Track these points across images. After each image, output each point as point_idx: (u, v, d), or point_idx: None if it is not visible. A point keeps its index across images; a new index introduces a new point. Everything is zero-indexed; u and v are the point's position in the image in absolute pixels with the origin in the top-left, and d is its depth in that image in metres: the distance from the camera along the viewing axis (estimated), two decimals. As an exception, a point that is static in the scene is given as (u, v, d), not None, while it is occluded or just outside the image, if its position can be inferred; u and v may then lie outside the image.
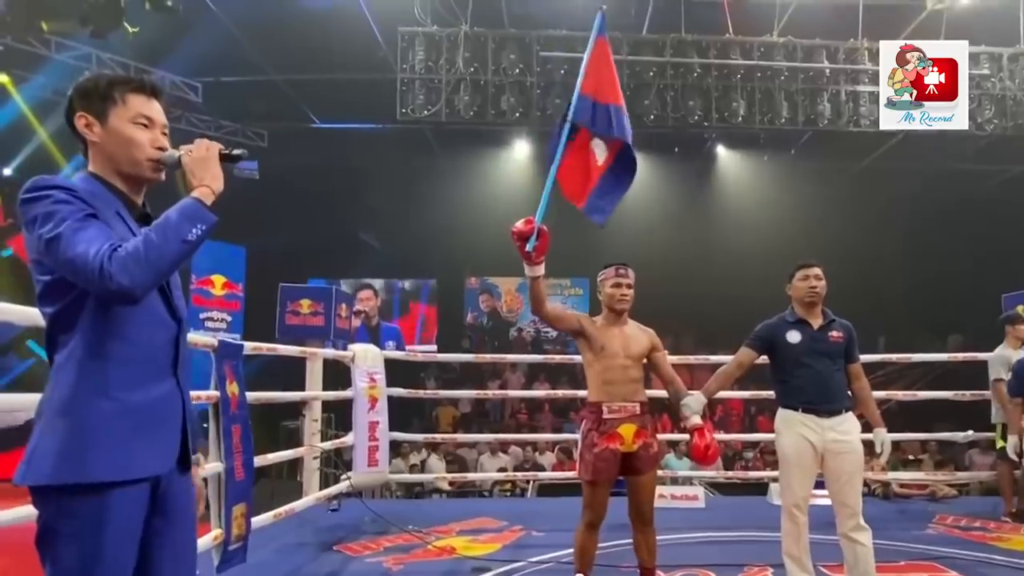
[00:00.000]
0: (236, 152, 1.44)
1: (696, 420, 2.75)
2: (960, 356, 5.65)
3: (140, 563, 1.36)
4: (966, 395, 5.09)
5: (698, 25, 8.39)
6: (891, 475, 5.43)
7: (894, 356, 5.90)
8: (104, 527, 1.27)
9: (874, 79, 8.36)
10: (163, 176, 1.45)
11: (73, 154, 9.40)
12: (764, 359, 3.03)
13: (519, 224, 2.59)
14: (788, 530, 2.80)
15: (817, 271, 2.96)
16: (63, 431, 1.28)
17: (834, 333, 2.91)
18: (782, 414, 2.91)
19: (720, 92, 8.31)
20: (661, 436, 7.10)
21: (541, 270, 2.64)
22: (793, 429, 2.82)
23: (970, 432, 5.26)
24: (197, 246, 1.34)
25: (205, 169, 1.39)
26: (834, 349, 2.89)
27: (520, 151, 11.96)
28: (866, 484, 5.26)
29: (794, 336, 2.89)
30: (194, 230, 1.31)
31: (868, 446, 2.97)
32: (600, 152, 2.89)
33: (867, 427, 3.03)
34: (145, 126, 1.44)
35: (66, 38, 8.00)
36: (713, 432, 2.81)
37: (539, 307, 2.73)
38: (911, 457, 6.49)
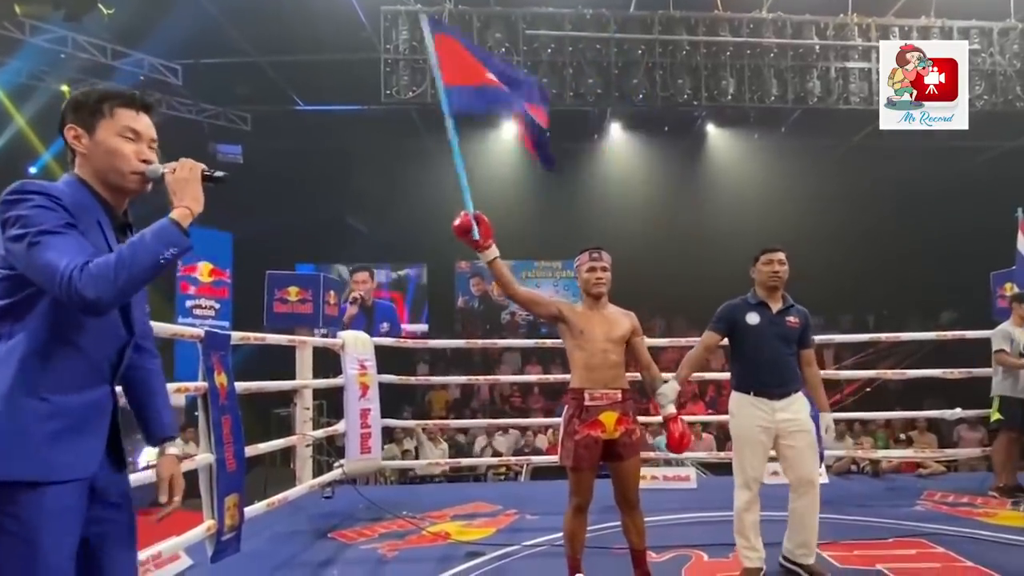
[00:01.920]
0: (218, 175, 1.47)
1: (671, 409, 2.80)
2: (949, 334, 5.69)
3: (85, 552, 1.40)
4: (955, 373, 5.13)
5: (686, 2, 8.29)
6: (881, 453, 5.50)
7: (883, 336, 5.93)
8: (40, 521, 1.30)
9: (864, 55, 8.32)
10: (148, 188, 1.47)
11: (52, 140, 9.20)
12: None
13: (456, 221, 2.66)
14: (740, 508, 2.92)
15: (781, 256, 3.03)
16: None
17: (791, 319, 3.02)
18: (735, 397, 3.03)
19: (709, 70, 8.24)
20: (652, 418, 7.12)
21: (493, 252, 2.69)
22: (745, 412, 2.95)
23: (958, 409, 5.31)
24: (167, 267, 1.36)
25: (186, 190, 1.41)
26: (790, 333, 3.00)
27: (508, 131, 11.83)
28: (855, 462, 5.34)
29: (753, 318, 2.99)
30: (167, 252, 1.33)
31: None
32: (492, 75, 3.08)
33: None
34: (131, 139, 1.47)
35: (41, 22, 7.77)
36: (686, 424, 2.87)
37: (508, 289, 2.75)
38: (902, 436, 6.57)
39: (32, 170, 9.41)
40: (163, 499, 1.64)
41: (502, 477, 6.94)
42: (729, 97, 8.31)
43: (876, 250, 11.64)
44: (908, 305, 11.47)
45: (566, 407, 2.80)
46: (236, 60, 9.36)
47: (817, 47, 8.31)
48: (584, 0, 8.21)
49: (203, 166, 1.45)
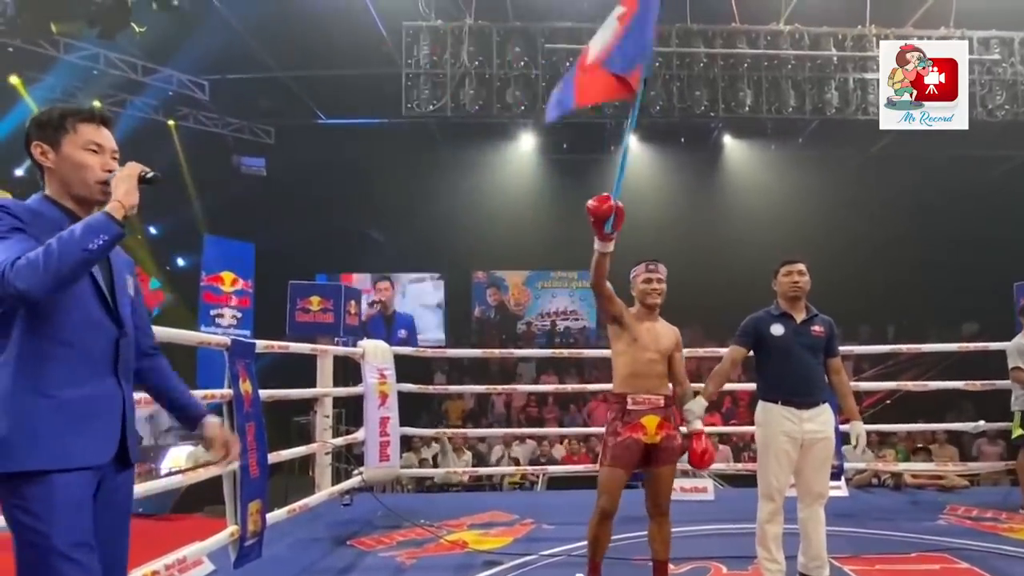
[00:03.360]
0: (150, 176, 1.56)
1: (697, 425, 2.83)
2: (971, 346, 5.62)
3: None
4: (976, 385, 5.06)
5: (704, 14, 8.33)
6: (902, 466, 5.42)
7: (904, 347, 5.86)
8: (53, 509, 1.40)
9: (883, 66, 8.27)
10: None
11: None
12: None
13: (593, 202, 2.54)
14: (763, 519, 2.91)
15: (800, 267, 3.04)
16: (4, 426, 1.40)
17: (816, 328, 3.01)
18: (763, 406, 3.01)
19: (727, 82, 8.26)
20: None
21: (612, 246, 2.63)
22: (773, 421, 2.93)
23: (981, 423, 5.24)
24: (100, 253, 1.44)
25: (121, 186, 1.50)
26: (816, 343, 2.99)
27: (526, 144, 11.94)
28: (876, 475, 5.28)
29: (778, 329, 2.99)
30: (96, 240, 1.41)
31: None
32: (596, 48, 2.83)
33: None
34: (95, 151, 1.56)
35: (74, 39, 8.05)
36: (709, 440, 2.89)
37: (600, 281, 2.71)
38: (919, 445, 6.47)
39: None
40: (221, 455, 1.80)
41: (518, 487, 6.94)
42: (746, 109, 8.32)
43: (895, 260, 11.50)
44: (928, 316, 11.29)
45: (608, 411, 2.87)
46: (260, 75, 9.59)
47: (835, 58, 8.29)
48: (603, 14, 8.25)
49: (141, 168, 1.54)
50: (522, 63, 8.12)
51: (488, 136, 11.37)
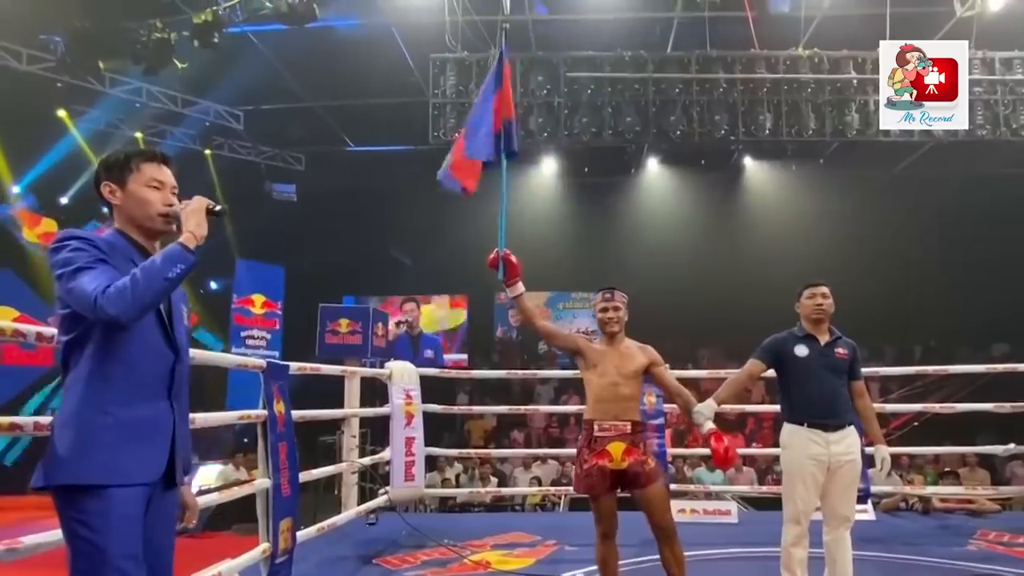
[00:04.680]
0: (218, 208, 1.70)
1: (710, 426, 2.83)
2: (999, 367, 5.54)
3: None
4: (1006, 407, 4.98)
5: (723, 41, 8.44)
6: (931, 490, 5.34)
7: (930, 368, 5.80)
8: (108, 521, 1.49)
9: (904, 88, 8.27)
10: (174, 228, 1.72)
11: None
12: (770, 372, 3.13)
13: (490, 256, 2.93)
14: (788, 543, 2.89)
15: (824, 290, 3.05)
16: (67, 441, 1.52)
17: (840, 350, 3.01)
18: (788, 428, 2.99)
19: (746, 106, 8.33)
20: (692, 450, 7.05)
21: (518, 289, 2.93)
22: (799, 444, 2.91)
23: (1011, 445, 5.14)
24: (178, 281, 1.58)
25: (192, 219, 1.65)
26: (840, 365, 2.99)
27: (548, 168, 12.12)
28: (905, 499, 5.20)
29: (802, 350, 2.99)
30: (175, 269, 1.56)
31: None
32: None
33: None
34: (157, 188, 1.72)
35: (119, 74, 8.48)
36: (728, 440, 2.89)
37: (530, 323, 3.00)
38: (947, 469, 6.35)
39: (106, 210, 10.11)
40: (190, 524, 1.83)
41: (540, 507, 6.96)
42: (766, 132, 8.36)
43: (921, 281, 11.33)
44: (956, 337, 11.06)
45: (579, 437, 2.95)
46: (293, 105, 9.95)
47: (855, 81, 8.32)
48: (623, 43, 8.46)
49: (209, 201, 1.68)
50: (545, 91, 8.32)
51: (511, 161, 11.54)
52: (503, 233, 3.04)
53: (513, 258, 2.92)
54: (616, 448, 2.78)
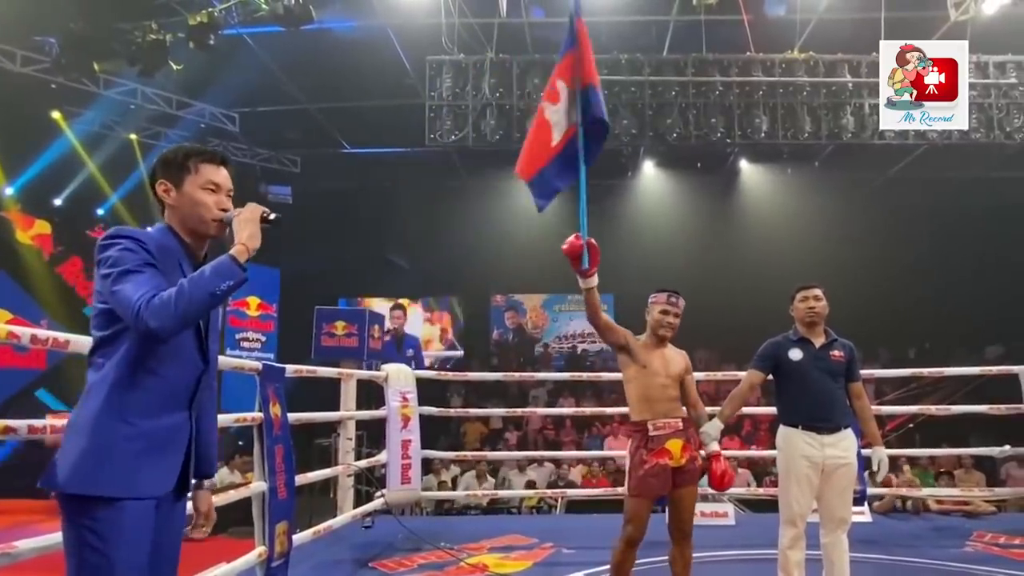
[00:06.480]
0: (273, 217, 1.63)
1: (714, 447, 2.85)
2: (993, 369, 5.57)
3: None
4: (1001, 408, 5.01)
5: (719, 44, 8.46)
6: (926, 491, 5.35)
7: (925, 370, 5.82)
8: (119, 533, 1.44)
9: (898, 92, 8.32)
10: (227, 232, 1.66)
11: (120, 184, 9.86)
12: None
13: (569, 240, 2.69)
14: (784, 545, 2.91)
15: (816, 292, 3.05)
16: (83, 447, 1.46)
17: (835, 352, 3.01)
18: (783, 431, 3.01)
19: (742, 109, 8.36)
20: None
21: (595, 281, 2.75)
22: (794, 446, 2.93)
23: (1007, 447, 5.16)
24: (223, 298, 1.52)
25: (245, 229, 1.57)
26: (835, 367, 2.99)
27: (545, 168, 12.10)
28: (901, 500, 5.21)
29: (796, 354, 3.00)
30: (223, 284, 1.49)
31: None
32: (557, 133, 2.94)
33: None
34: (212, 191, 1.66)
35: (114, 76, 8.44)
36: (727, 461, 2.91)
37: (595, 316, 2.82)
38: (942, 470, 6.37)
39: (100, 212, 10.08)
40: (202, 533, 1.78)
41: (535, 510, 6.94)
42: (762, 135, 8.38)
43: (916, 283, 11.38)
44: (951, 339, 11.11)
45: (630, 439, 2.87)
46: (288, 107, 9.92)
47: (850, 84, 8.36)
48: (619, 45, 8.48)
49: (264, 209, 1.61)
50: (541, 94, 8.30)
51: (507, 164, 11.45)
52: (584, 219, 2.77)
53: (596, 246, 2.71)
54: (675, 445, 2.76)
